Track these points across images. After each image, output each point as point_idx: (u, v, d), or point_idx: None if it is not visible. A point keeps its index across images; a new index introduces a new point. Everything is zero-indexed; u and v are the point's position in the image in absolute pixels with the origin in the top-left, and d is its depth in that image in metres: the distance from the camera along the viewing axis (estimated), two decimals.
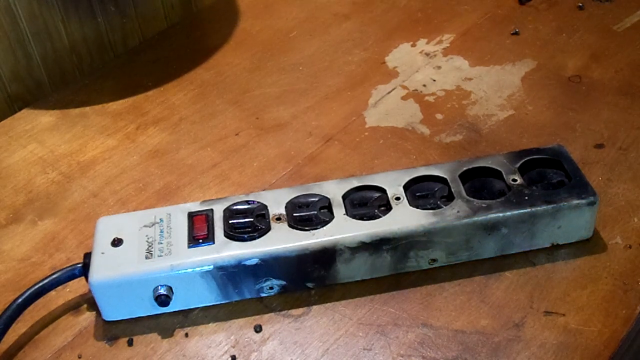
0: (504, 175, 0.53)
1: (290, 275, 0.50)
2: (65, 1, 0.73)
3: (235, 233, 0.50)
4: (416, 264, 0.52)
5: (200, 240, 0.50)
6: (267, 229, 0.50)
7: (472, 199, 0.51)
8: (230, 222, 0.51)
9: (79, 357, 0.49)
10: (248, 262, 0.49)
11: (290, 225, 0.51)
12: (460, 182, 0.53)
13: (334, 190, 0.53)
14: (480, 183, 0.54)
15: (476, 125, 0.65)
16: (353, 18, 0.81)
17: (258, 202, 0.52)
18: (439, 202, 0.52)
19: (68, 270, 0.50)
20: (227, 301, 0.51)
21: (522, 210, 0.50)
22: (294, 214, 0.51)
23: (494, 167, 0.54)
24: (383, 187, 0.53)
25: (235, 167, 0.63)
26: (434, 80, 0.71)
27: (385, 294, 0.51)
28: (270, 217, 0.51)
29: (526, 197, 0.51)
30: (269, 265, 0.49)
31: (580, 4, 0.79)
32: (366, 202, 0.53)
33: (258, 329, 0.50)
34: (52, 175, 0.64)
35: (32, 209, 0.61)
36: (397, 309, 0.50)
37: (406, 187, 0.53)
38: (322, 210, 0.52)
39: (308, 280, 0.51)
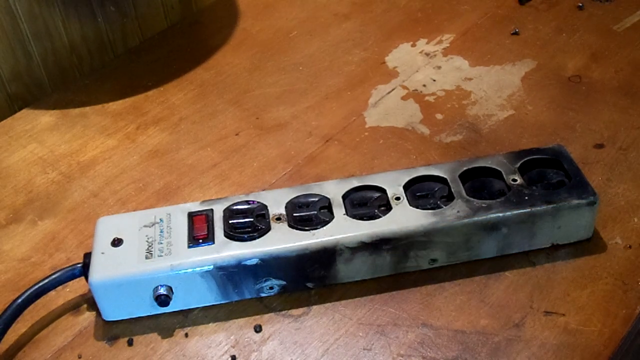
0: (504, 175, 0.53)
1: (290, 275, 0.50)
2: (65, 1, 0.73)
3: (235, 233, 0.50)
4: (416, 264, 0.52)
5: (200, 240, 0.50)
6: (267, 229, 0.50)
7: (472, 199, 0.51)
8: (230, 222, 0.51)
9: (79, 357, 0.49)
10: (248, 262, 0.49)
11: (290, 225, 0.51)
12: (460, 182, 0.53)
13: (334, 190, 0.53)
14: (480, 183, 0.54)
15: (476, 125, 0.65)
16: (353, 18, 0.81)
17: (258, 202, 0.52)
18: (439, 202, 0.52)
19: (68, 270, 0.50)
20: (227, 301, 0.51)
21: (522, 210, 0.50)
22: (294, 214, 0.51)
23: (494, 167, 0.54)
24: (383, 187, 0.53)
25: (235, 167, 0.63)
26: (434, 80, 0.71)
27: (385, 294, 0.51)
28: (270, 217, 0.51)
29: (526, 197, 0.51)
30: (269, 265, 0.49)
31: (580, 4, 0.79)
32: (366, 202, 0.53)
33: (258, 329, 0.50)
34: (52, 175, 0.64)
35: (32, 209, 0.61)
36: (397, 309, 0.50)
37: (406, 187, 0.53)
38: (322, 210, 0.52)
39: (308, 280, 0.51)
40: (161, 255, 0.49)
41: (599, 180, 0.58)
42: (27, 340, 0.50)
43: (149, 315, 0.51)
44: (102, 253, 0.50)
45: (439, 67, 0.72)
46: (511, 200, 0.51)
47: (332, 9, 0.83)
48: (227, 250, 0.49)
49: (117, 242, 0.50)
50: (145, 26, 0.81)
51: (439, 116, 0.66)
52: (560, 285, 0.51)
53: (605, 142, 0.62)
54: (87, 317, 0.52)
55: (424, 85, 0.70)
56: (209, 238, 0.50)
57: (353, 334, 0.49)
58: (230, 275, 0.49)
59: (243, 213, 0.52)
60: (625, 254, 0.53)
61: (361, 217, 0.51)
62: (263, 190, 0.57)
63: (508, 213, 0.50)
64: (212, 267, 0.49)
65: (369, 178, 0.54)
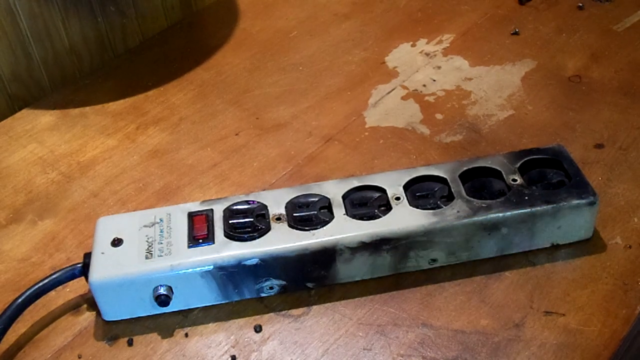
0: (504, 175, 0.53)
1: (290, 275, 0.50)
2: (65, 1, 0.73)
3: (235, 233, 0.50)
4: (416, 264, 0.52)
5: (200, 240, 0.50)
6: (267, 229, 0.50)
7: (472, 199, 0.51)
8: (230, 222, 0.51)
9: (79, 357, 0.49)
10: (248, 262, 0.49)
11: (290, 225, 0.51)
12: (460, 182, 0.53)
13: (334, 190, 0.53)
14: (480, 183, 0.54)
15: (476, 125, 0.65)
16: (353, 18, 0.81)
17: (258, 202, 0.52)
18: (439, 202, 0.52)
19: (68, 270, 0.50)
20: (227, 301, 0.51)
21: (522, 210, 0.50)
22: (294, 214, 0.51)
23: (494, 167, 0.54)
24: (383, 187, 0.53)
25: (235, 167, 0.63)
26: (434, 80, 0.71)
27: (385, 294, 0.51)
28: (270, 217, 0.51)
29: (526, 197, 0.51)
30: (269, 265, 0.49)
31: (580, 4, 0.79)
32: (366, 202, 0.53)
33: (258, 329, 0.50)
34: (52, 175, 0.64)
35: (32, 209, 0.61)
36: (397, 309, 0.50)
37: (406, 187, 0.53)
38: (322, 210, 0.52)
39: (308, 280, 0.51)
40: (161, 255, 0.49)
41: (599, 180, 0.58)
42: (27, 340, 0.50)
43: (149, 315, 0.51)
44: (102, 253, 0.50)
45: (439, 67, 0.72)
46: (511, 200, 0.51)
47: (332, 9, 0.83)
48: (227, 250, 0.49)
49: (117, 242, 0.50)
50: (145, 26, 0.81)
51: (439, 116, 0.66)
52: (560, 285, 0.51)
53: (605, 142, 0.62)
54: (87, 317, 0.52)
55: (424, 85, 0.70)
56: (209, 238, 0.50)
57: (353, 334, 0.49)
58: (230, 275, 0.49)
59: (243, 213, 0.52)
60: (625, 254, 0.53)
61: (361, 217, 0.51)
62: (263, 190, 0.57)
63: (508, 213, 0.50)
64: (212, 267, 0.49)
65: (369, 178, 0.54)
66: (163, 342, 0.50)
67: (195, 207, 0.52)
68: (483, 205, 0.51)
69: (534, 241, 0.52)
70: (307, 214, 0.52)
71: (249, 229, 0.51)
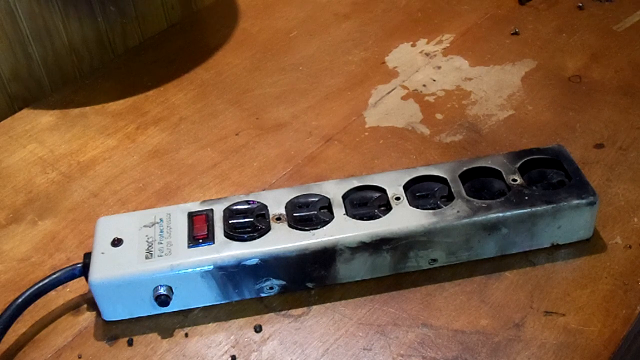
0: (504, 175, 0.53)
1: (290, 275, 0.50)
2: (65, 1, 0.73)
3: (235, 233, 0.50)
4: (416, 264, 0.52)
5: (200, 240, 0.50)
6: (267, 229, 0.50)
7: (472, 199, 0.51)
8: (230, 222, 0.51)
9: (79, 357, 0.49)
10: (248, 262, 0.49)
11: (290, 225, 0.51)
12: (460, 182, 0.53)
13: (334, 190, 0.53)
14: (480, 183, 0.54)
15: (476, 125, 0.65)
16: (353, 18, 0.81)
17: (258, 202, 0.52)
18: (439, 202, 0.52)
19: (68, 270, 0.50)
20: (227, 301, 0.51)
21: (522, 210, 0.50)
22: (294, 214, 0.51)
23: (494, 167, 0.54)
24: (383, 187, 0.53)
25: (235, 167, 0.63)
26: (434, 80, 0.71)
27: (385, 294, 0.51)
28: (270, 217, 0.51)
29: (526, 197, 0.51)
30: (269, 265, 0.49)
31: (580, 4, 0.79)
32: (366, 202, 0.53)
33: (258, 329, 0.50)
34: (52, 175, 0.64)
35: (32, 209, 0.61)
36: (397, 309, 0.50)
37: (406, 187, 0.53)
38: (322, 210, 0.52)
39: (308, 280, 0.51)
40: (161, 255, 0.49)
41: (599, 180, 0.58)
42: (27, 340, 0.50)
43: (149, 315, 0.51)
44: (102, 253, 0.50)
45: (439, 67, 0.72)
46: (511, 200, 0.51)
47: (332, 9, 0.83)
48: (227, 250, 0.49)
49: (117, 242, 0.50)
50: (145, 26, 0.81)
51: (439, 116, 0.66)
52: (560, 285, 0.51)
53: (605, 142, 0.62)
54: (87, 317, 0.52)
55: (424, 85, 0.70)
56: (209, 238, 0.50)
57: (353, 334, 0.49)
58: (230, 275, 0.49)
59: (243, 213, 0.52)
60: (625, 254, 0.53)
61: (361, 217, 0.51)
62: (263, 190, 0.57)
63: (508, 213, 0.50)
64: (212, 267, 0.49)
65: (369, 178, 0.54)
66: (163, 342, 0.50)
67: (195, 207, 0.52)
68: (483, 205, 0.51)
69: (534, 241, 0.52)
70: (307, 214, 0.52)
71: (249, 229, 0.51)
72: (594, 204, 0.51)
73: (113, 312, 0.50)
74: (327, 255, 0.50)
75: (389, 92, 0.70)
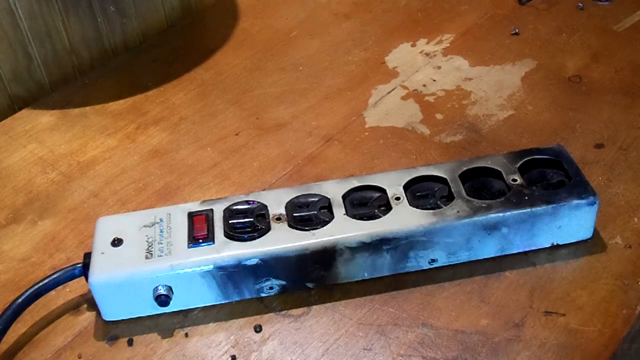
0: (504, 175, 0.53)
1: (290, 275, 0.50)
2: (65, 1, 0.73)
3: (235, 233, 0.50)
4: (416, 264, 0.52)
5: (200, 240, 0.50)
6: (267, 229, 0.50)
7: (472, 199, 0.51)
8: (230, 222, 0.51)
9: (79, 357, 0.49)
10: (248, 262, 0.49)
11: (290, 225, 0.51)
12: (460, 182, 0.53)
13: (334, 190, 0.53)
14: (480, 183, 0.54)
15: (476, 125, 0.65)
16: (353, 18, 0.81)
17: (258, 202, 0.52)
18: (439, 202, 0.52)
19: (68, 270, 0.50)
20: (227, 301, 0.51)
21: (522, 210, 0.50)
22: (294, 214, 0.51)
23: (494, 167, 0.54)
24: (383, 187, 0.53)
25: (235, 167, 0.63)
26: (434, 80, 0.71)
27: (385, 294, 0.51)
28: (270, 217, 0.51)
29: (526, 197, 0.51)
30: (269, 265, 0.49)
31: (580, 4, 0.79)
32: (366, 202, 0.53)
33: (258, 329, 0.50)
34: (52, 175, 0.64)
35: (32, 209, 0.61)
36: (397, 309, 0.50)
37: (406, 187, 0.53)
38: (322, 210, 0.52)
39: (308, 280, 0.51)
40: (161, 255, 0.49)
41: (599, 180, 0.58)
42: (27, 340, 0.50)
43: (149, 315, 0.51)
44: (102, 253, 0.50)
45: (439, 67, 0.72)
46: (511, 200, 0.51)
47: (332, 9, 0.83)
48: (227, 250, 0.49)
49: (117, 242, 0.50)
50: (145, 26, 0.81)
51: (439, 116, 0.66)
52: (560, 285, 0.51)
53: (605, 142, 0.62)
54: (87, 317, 0.52)
55: (424, 85, 0.70)
56: (209, 238, 0.50)
57: (353, 334, 0.49)
58: (230, 275, 0.49)
59: (243, 213, 0.52)
60: (625, 254, 0.53)
61: (361, 217, 0.51)
62: (263, 190, 0.57)
63: (508, 213, 0.50)
64: (212, 267, 0.49)
65: (369, 178, 0.54)
66: (163, 342, 0.50)
67: (195, 207, 0.52)
68: (483, 205, 0.51)
69: (534, 241, 0.52)
70: (307, 214, 0.52)
71: (249, 229, 0.51)
72: (594, 204, 0.51)
73: (113, 312, 0.50)
74: (327, 255, 0.50)
75: (389, 92, 0.70)
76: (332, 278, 0.51)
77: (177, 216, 0.52)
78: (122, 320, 0.51)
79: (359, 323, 0.50)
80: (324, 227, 0.50)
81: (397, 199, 0.52)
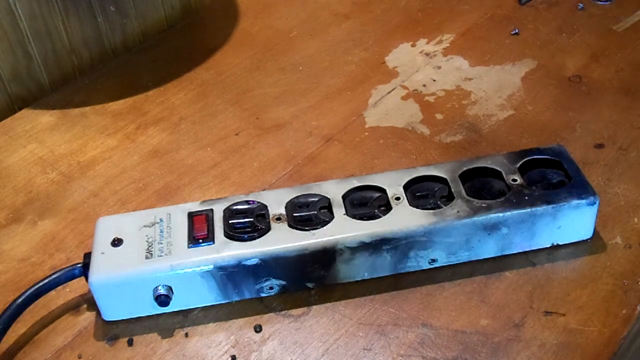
0: (504, 175, 0.53)
1: (290, 275, 0.50)
2: (65, 1, 0.73)
3: (235, 233, 0.50)
4: (416, 264, 0.52)
5: (200, 240, 0.50)
6: (267, 229, 0.50)
7: (472, 199, 0.51)
8: (230, 222, 0.51)
9: (79, 357, 0.49)
10: (248, 262, 0.49)
11: (290, 225, 0.51)
12: (460, 182, 0.53)
13: (334, 190, 0.53)
14: (480, 183, 0.54)
15: (476, 125, 0.65)
16: (353, 18, 0.81)
17: (258, 202, 0.52)
18: (439, 202, 0.52)
19: (68, 270, 0.50)
20: (227, 301, 0.51)
21: (522, 210, 0.50)
22: (294, 214, 0.51)
23: (494, 167, 0.54)
24: (383, 187, 0.53)
25: (235, 167, 0.63)
26: (434, 80, 0.71)
27: (385, 294, 0.51)
28: (270, 217, 0.51)
29: (526, 197, 0.51)
30: (269, 265, 0.49)
31: (580, 4, 0.79)
32: (366, 202, 0.53)
33: (258, 329, 0.50)
34: (52, 175, 0.64)
35: (32, 209, 0.61)
36: (397, 309, 0.50)
37: (406, 187, 0.53)
38: (322, 210, 0.52)
39: (308, 280, 0.51)
40: (161, 255, 0.49)
41: (599, 180, 0.58)
42: (27, 340, 0.50)
43: (149, 315, 0.51)
44: (102, 253, 0.50)
45: (439, 67, 0.72)
46: (511, 200, 0.51)
47: (332, 9, 0.83)
48: (227, 250, 0.49)
49: (117, 242, 0.50)
50: (145, 26, 0.81)
51: (439, 116, 0.66)
52: (560, 285, 0.51)
53: (605, 142, 0.62)
54: (87, 317, 0.52)
55: (424, 85, 0.70)
56: (209, 238, 0.50)
57: (353, 334, 0.49)
58: (230, 275, 0.49)
59: (243, 213, 0.52)
60: (625, 254, 0.53)
61: (361, 217, 0.51)
62: (263, 190, 0.57)
63: (508, 213, 0.50)
64: (212, 267, 0.49)
65: (369, 178, 0.54)
66: (163, 342, 0.50)
67: (195, 207, 0.52)
68: (483, 205, 0.51)
69: (534, 241, 0.52)
70: (307, 214, 0.52)
71: (249, 229, 0.51)
72: (594, 204, 0.51)
73: (113, 312, 0.50)
74: (327, 255, 0.50)
75: (389, 92, 0.70)
76: (332, 278, 0.51)
77: (177, 216, 0.52)
78: (122, 320, 0.51)
79: (359, 323, 0.50)
80: (324, 227, 0.50)
81: (397, 199, 0.52)
